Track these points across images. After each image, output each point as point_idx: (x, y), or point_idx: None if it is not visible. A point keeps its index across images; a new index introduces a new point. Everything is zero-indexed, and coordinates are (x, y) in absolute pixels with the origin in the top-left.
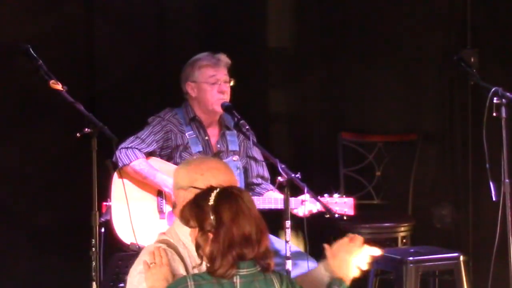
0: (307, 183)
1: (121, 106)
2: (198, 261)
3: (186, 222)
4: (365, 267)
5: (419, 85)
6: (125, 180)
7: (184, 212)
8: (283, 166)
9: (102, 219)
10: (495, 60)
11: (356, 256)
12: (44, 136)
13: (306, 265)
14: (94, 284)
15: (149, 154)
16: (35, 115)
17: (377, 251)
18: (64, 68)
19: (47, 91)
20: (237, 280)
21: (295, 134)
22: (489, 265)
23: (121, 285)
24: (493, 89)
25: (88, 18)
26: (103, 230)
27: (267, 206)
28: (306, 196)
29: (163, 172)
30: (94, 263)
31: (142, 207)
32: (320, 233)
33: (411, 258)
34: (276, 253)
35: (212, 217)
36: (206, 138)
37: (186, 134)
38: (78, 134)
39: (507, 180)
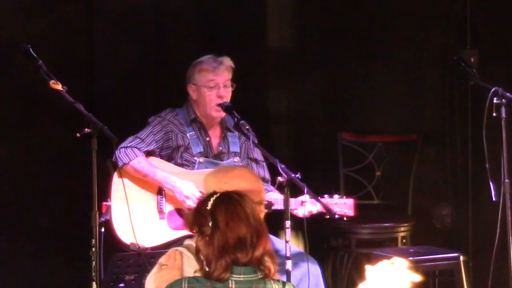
0: (307, 183)
1: (121, 106)
2: None
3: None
4: None
5: (419, 85)
6: (125, 180)
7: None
8: (283, 166)
9: (102, 219)
10: (495, 60)
11: (396, 282)
12: (44, 136)
13: (306, 265)
14: (94, 284)
15: (148, 154)
16: (35, 115)
17: (417, 278)
18: (64, 68)
19: (47, 91)
20: (232, 285)
21: (295, 134)
22: (489, 265)
23: (121, 285)
24: (493, 89)
25: (88, 18)
26: (103, 230)
27: None
28: (306, 197)
29: (163, 170)
30: (94, 263)
31: (142, 207)
32: (320, 233)
33: (411, 258)
34: (276, 253)
35: (209, 222)
36: (207, 139)
37: (187, 134)
38: (78, 134)
39: (507, 180)
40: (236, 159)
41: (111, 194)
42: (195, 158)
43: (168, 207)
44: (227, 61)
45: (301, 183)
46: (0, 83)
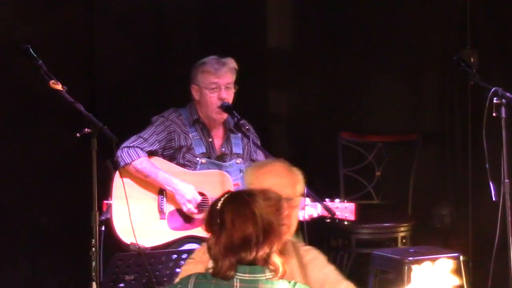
0: (307, 184)
1: (121, 106)
2: None
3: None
4: None
5: (419, 85)
6: (127, 180)
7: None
8: None
9: (103, 217)
10: (495, 60)
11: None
12: (44, 136)
13: None
14: (94, 284)
15: (150, 154)
16: (35, 115)
17: (457, 281)
18: (64, 68)
19: (47, 91)
20: (237, 283)
21: (295, 134)
22: (489, 265)
23: (121, 285)
24: (493, 89)
25: (88, 18)
26: (103, 228)
27: None
28: (306, 201)
29: (165, 171)
30: (94, 263)
31: (142, 207)
32: (320, 234)
33: (411, 258)
34: None
35: (218, 221)
36: (210, 140)
37: (190, 135)
38: (78, 134)
39: (507, 180)
40: (239, 160)
41: (112, 193)
42: (197, 158)
43: (169, 207)
44: (231, 63)
45: None
46: (0, 83)
